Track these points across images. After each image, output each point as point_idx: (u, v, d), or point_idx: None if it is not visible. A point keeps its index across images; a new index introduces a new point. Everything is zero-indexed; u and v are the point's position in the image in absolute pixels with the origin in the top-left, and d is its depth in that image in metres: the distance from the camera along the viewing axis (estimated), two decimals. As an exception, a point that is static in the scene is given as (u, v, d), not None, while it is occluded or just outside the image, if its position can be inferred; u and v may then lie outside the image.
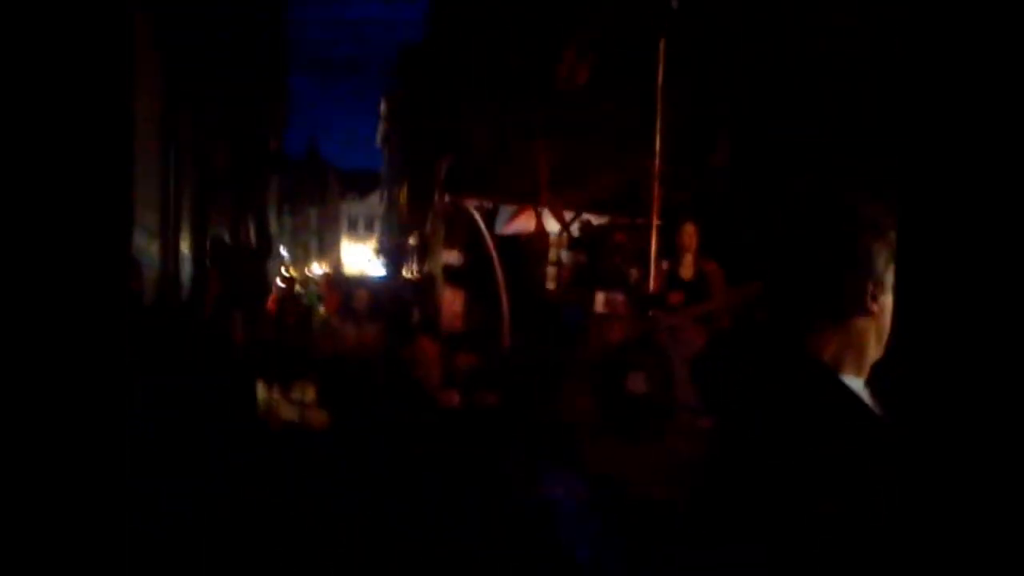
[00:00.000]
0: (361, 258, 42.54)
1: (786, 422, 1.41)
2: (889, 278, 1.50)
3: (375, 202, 45.18)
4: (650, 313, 3.64)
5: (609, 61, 5.42)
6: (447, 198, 6.01)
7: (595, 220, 6.32)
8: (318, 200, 49.61)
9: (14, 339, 1.03)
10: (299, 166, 45.01)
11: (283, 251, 37.24)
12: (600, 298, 4.99)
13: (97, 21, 1.14)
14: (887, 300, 1.48)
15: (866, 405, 1.39)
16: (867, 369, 1.67)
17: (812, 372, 1.47)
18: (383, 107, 33.47)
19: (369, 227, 48.20)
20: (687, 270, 4.85)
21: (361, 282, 8.04)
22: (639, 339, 2.93)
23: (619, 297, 5.04)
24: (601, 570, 2.89)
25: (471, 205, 5.52)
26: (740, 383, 1.53)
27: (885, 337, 1.46)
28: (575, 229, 6.17)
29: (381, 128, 34.81)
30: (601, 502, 2.90)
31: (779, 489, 1.40)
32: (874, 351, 1.47)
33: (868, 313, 1.41)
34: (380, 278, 19.34)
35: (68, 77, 1.10)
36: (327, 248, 49.97)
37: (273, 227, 23.44)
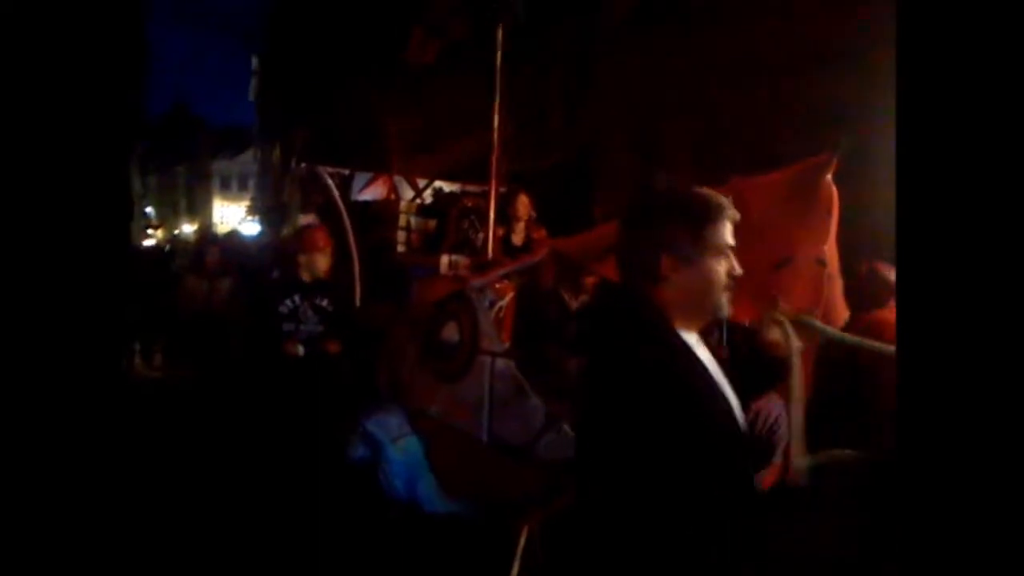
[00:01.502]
0: (235, 218, 41.18)
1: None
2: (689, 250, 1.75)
3: (249, 160, 43.49)
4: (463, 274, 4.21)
5: (455, 40, 5.80)
6: (303, 165, 6.27)
7: (447, 187, 6.76)
8: (187, 158, 47.22)
9: (14, 337, 1.02)
10: (165, 122, 42.63)
11: (148, 211, 35.43)
12: (445, 261, 5.44)
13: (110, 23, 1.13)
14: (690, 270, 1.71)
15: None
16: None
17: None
18: (255, 62, 32.30)
19: (243, 186, 46.31)
20: (518, 237, 5.39)
21: (215, 239, 8.14)
22: (453, 295, 3.42)
23: (464, 261, 5.52)
24: (414, 499, 3.38)
25: (326, 171, 5.81)
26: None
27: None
28: (428, 196, 6.60)
29: (254, 84, 33.61)
30: (417, 432, 3.42)
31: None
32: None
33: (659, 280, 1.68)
34: (253, 236, 19.08)
35: (73, 75, 1.08)
36: (198, 208, 47.83)
37: (136, 187, 22.42)
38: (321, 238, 4.60)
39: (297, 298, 4.36)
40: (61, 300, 1.08)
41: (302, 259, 4.44)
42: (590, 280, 3.80)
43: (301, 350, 4.13)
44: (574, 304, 3.88)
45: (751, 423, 2.65)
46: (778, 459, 2.90)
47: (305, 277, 4.45)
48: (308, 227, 5.28)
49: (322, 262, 4.47)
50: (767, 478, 2.94)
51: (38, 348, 1.04)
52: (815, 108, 5.17)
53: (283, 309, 4.31)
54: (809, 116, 4.96)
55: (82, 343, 1.09)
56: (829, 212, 2.51)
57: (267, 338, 4.25)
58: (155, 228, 32.55)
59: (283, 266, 4.65)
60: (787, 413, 2.64)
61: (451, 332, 3.34)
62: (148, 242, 21.89)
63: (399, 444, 3.47)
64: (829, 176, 2.53)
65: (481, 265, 4.56)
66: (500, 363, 3.19)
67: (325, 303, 4.44)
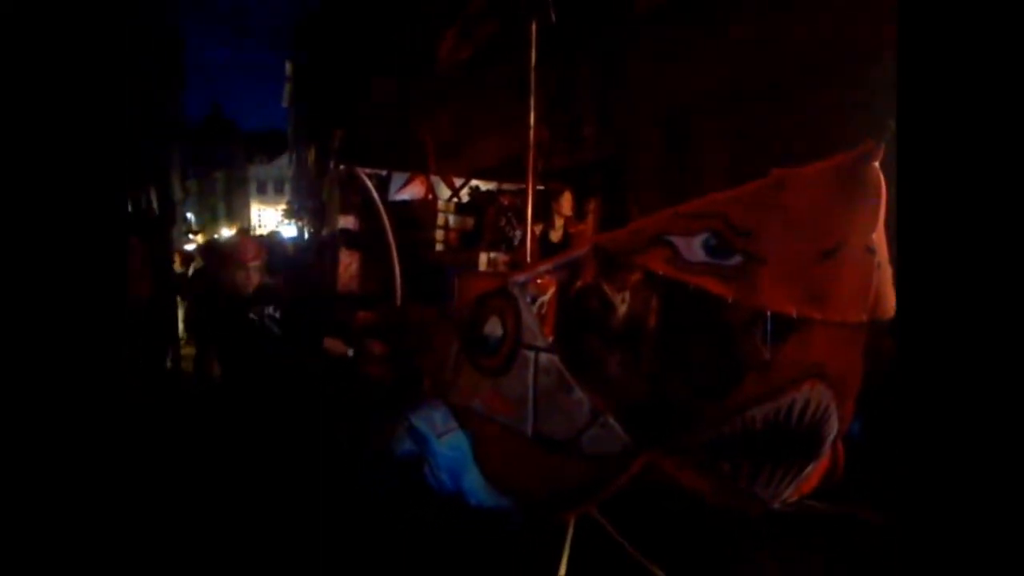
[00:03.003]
0: (272, 220, 41.69)
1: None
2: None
3: (284, 163, 44.13)
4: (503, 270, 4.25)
5: (489, 40, 5.83)
6: (341, 167, 6.36)
7: (484, 186, 6.82)
8: (224, 163, 48.04)
9: (15, 337, 1.03)
10: (202, 128, 43.44)
11: (189, 216, 36.07)
12: (483, 259, 5.49)
13: (98, 27, 1.12)
14: None
15: None
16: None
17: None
18: (288, 68, 32.77)
19: (279, 189, 47.07)
20: (557, 233, 5.43)
21: (252, 237, 8.38)
22: (495, 290, 3.45)
23: (502, 258, 5.56)
24: (460, 493, 3.43)
25: (364, 173, 5.88)
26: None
27: None
28: (464, 194, 6.66)
29: (287, 88, 34.10)
30: (462, 426, 3.46)
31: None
32: None
33: None
34: (292, 238, 19.45)
35: (67, 78, 1.08)
36: (236, 211, 48.68)
37: (176, 193, 22.88)
38: (250, 249, 4.24)
39: (255, 315, 4.16)
40: (93, 295, 1.10)
41: (224, 276, 4.13)
42: (634, 277, 3.81)
43: (351, 352, 4.17)
44: (617, 299, 3.89)
45: (789, 414, 2.64)
46: (826, 453, 2.89)
47: (242, 291, 4.14)
48: (237, 239, 4.75)
49: (241, 276, 4.09)
50: (814, 475, 2.93)
51: (57, 347, 1.06)
52: (852, 101, 5.10)
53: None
54: (845, 109, 4.89)
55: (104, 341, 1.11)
56: (877, 200, 2.48)
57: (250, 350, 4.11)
58: (195, 233, 33.14)
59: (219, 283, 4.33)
60: (836, 403, 2.63)
61: (494, 327, 3.36)
62: (189, 247, 22.35)
63: (445, 439, 3.51)
64: (876, 163, 2.51)
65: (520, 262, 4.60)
66: (543, 357, 3.20)
67: (272, 310, 4.24)
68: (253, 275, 4.13)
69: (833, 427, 2.71)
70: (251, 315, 4.11)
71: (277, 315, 4.19)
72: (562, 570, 2.87)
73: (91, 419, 1.06)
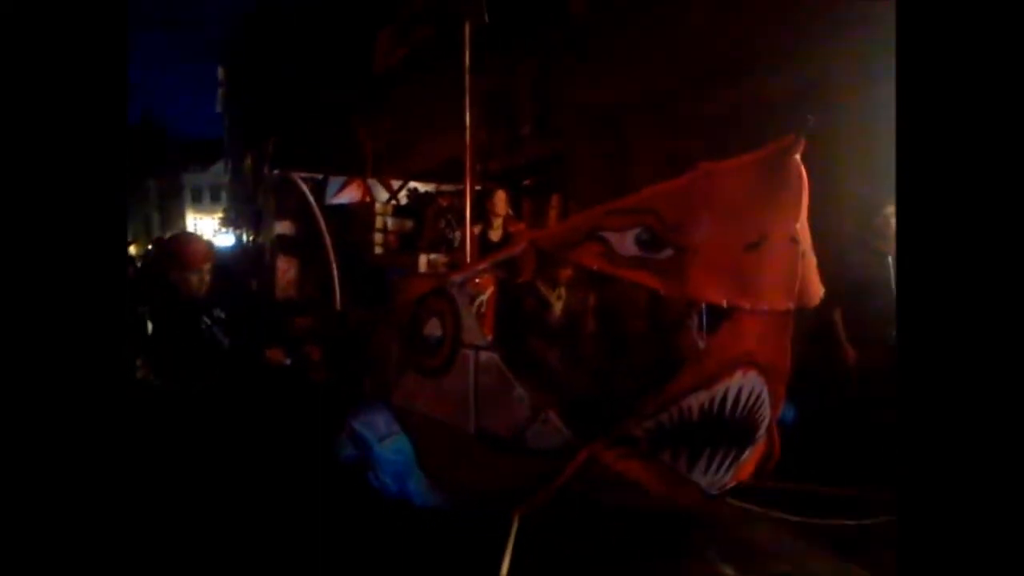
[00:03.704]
0: (209, 229, 40.67)
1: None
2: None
3: (220, 171, 43.07)
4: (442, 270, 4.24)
5: (425, 42, 5.81)
6: (276, 172, 6.26)
7: (422, 188, 6.79)
8: (157, 171, 46.60)
9: (15, 339, 1.02)
10: (133, 135, 42.02)
11: (120, 227, 34.86)
12: (423, 260, 5.47)
13: (96, 27, 1.12)
14: None
15: None
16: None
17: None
18: (221, 73, 32.06)
19: (216, 198, 45.89)
20: (495, 233, 5.43)
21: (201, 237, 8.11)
22: (434, 291, 3.44)
23: (442, 259, 5.54)
24: (405, 495, 3.40)
25: (300, 177, 5.80)
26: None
27: None
28: (403, 197, 6.61)
29: (220, 94, 33.35)
30: (404, 429, 3.44)
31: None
32: None
33: None
34: (228, 247, 19.01)
35: (65, 77, 1.08)
36: (172, 221, 47.32)
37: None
38: (197, 253, 3.82)
39: (206, 319, 3.81)
40: (60, 306, 1.09)
41: (175, 276, 3.75)
42: (566, 273, 3.84)
43: (288, 360, 4.06)
44: (552, 296, 3.92)
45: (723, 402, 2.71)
46: (761, 439, 2.97)
47: (192, 294, 3.79)
48: (178, 239, 4.31)
49: (195, 281, 3.74)
50: (751, 460, 3.01)
51: (42, 354, 1.06)
52: (780, 97, 5.25)
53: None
54: (773, 104, 5.03)
55: (85, 347, 1.09)
56: (800, 191, 2.57)
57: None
58: (128, 243, 32.10)
59: (161, 286, 3.93)
60: (767, 389, 2.71)
61: (433, 328, 3.36)
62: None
63: (387, 443, 3.48)
64: (798, 156, 2.59)
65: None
66: (484, 356, 3.21)
67: (218, 313, 3.87)
68: (206, 277, 3.85)
69: (766, 413, 2.79)
70: (201, 323, 3.90)
71: (223, 316, 3.92)
72: (505, 566, 2.87)
73: (93, 419, 1.08)
